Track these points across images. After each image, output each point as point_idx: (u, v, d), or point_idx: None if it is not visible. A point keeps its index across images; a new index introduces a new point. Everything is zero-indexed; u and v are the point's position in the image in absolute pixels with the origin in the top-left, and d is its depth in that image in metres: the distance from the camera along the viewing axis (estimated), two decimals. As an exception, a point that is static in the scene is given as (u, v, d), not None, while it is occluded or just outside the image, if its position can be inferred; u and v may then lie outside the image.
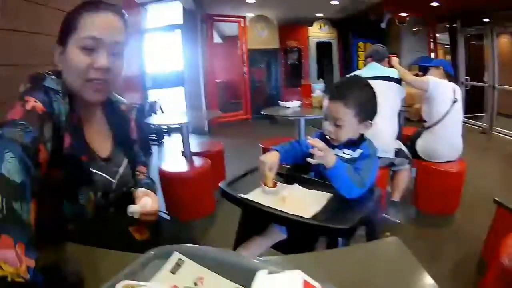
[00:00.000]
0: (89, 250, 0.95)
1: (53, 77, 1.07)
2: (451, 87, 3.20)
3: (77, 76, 1.07)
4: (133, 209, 1.16)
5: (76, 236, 1.04)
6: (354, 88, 1.51)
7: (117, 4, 1.13)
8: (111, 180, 1.23)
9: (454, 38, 8.21)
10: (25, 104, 0.94)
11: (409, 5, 8.02)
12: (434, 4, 7.13)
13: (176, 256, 0.77)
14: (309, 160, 1.38)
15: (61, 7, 1.80)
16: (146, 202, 1.19)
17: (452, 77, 3.35)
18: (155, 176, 3.29)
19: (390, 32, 9.18)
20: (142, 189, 1.29)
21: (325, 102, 1.54)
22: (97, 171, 1.16)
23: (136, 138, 1.45)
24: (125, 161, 1.31)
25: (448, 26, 8.41)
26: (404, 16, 8.77)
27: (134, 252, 0.87)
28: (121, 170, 1.28)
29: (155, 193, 1.33)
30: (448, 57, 8.61)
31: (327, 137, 1.53)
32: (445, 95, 3.16)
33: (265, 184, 1.41)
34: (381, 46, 3.40)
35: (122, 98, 1.42)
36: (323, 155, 1.34)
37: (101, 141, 1.24)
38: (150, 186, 1.36)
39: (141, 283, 0.66)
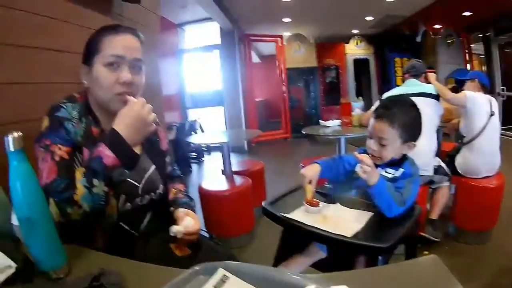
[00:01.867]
0: (129, 263, 0.97)
1: (68, 104, 1.20)
2: (488, 99, 3.10)
3: (106, 91, 1.19)
4: (175, 229, 1.19)
5: (117, 249, 1.08)
6: (400, 109, 1.51)
7: (133, 27, 1.28)
8: (136, 184, 1.29)
9: (488, 47, 7.99)
10: (53, 155, 1.10)
11: (442, 16, 7.90)
12: (466, 13, 7.02)
13: (221, 272, 0.79)
14: (357, 170, 1.39)
15: (85, 24, 1.88)
16: (188, 223, 1.23)
17: (487, 89, 3.25)
18: (195, 194, 3.35)
19: (425, 45, 9.05)
20: (183, 209, 1.34)
21: (371, 121, 1.54)
22: (118, 175, 1.21)
23: (166, 150, 1.52)
24: (152, 167, 1.37)
25: (481, 35, 8.21)
26: (438, 28, 8.63)
27: (176, 267, 0.89)
28: (147, 175, 1.33)
29: (194, 212, 1.37)
30: (484, 68, 8.39)
31: (370, 155, 1.53)
32: (482, 108, 3.06)
33: (307, 202, 1.43)
34: (418, 61, 3.36)
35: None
36: (369, 172, 1.35)
37: None
38: (190, 205, 1.40)
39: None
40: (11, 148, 0.80)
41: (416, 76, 3.22)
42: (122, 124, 1.11)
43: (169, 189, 1.49)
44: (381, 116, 1.50)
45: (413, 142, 1.52)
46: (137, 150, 1.30)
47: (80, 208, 1.04)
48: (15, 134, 0.80)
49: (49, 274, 0.86)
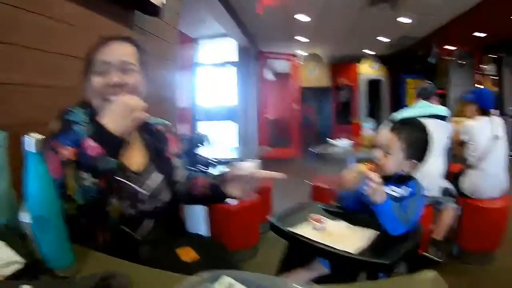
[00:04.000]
0: (137, 267, 0.98)
1: (78, 108, 1.28)
2: (489, 122, 3.13)
3: (97, 97, 1.26)
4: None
5: (119, 252, 1.09)
6: (410, 126, 1.64)
7: (128, 36, 1.36)
8: (141, 190, 1.30)
9: (499, 68, 8.11)
10: (60, 155, 1.11)
11: (455, 37, 7.90)
12: (480, 34, 7.06)
13: (226, 280, 0.79)
14: (364, 187, 1.42)
15: (91, 28, 1.94)
16: (245, 166, 1.29)
17: (488, 112, 3.21)
18: (201, 206, 3.36)
19: (438, 67, 9.06)
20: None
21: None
22: (123, 180, 1.24)
23: (177, 154, 1.53)
24: (160, 177, 1.38)
25: (494, 56, 8.23)
26: (451, 50, 8.64)
27: (180, 273, 0.90)
28: (154, 184, 1.35)
29: None
30: (496, 89, 8.36)
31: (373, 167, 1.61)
32: (480, 136, 3.10)
33: (312, 219, 1.45)
34: (429, 83, 3.44)
35: (162, 120, 1.55)
36: (376, 189, 1.39)
37: (133, 157, 1.34)
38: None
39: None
40: (33, 150, 0.82)
41: (427, 98, 3.26)
42: (107, 115, 1.13)
43: (194, 183, 1.51)
44: (392, 128, 1.63)
45: (416, 161, 1.59)
46: (145, 158, 1.37)
47: (74, 202, 1.06)
48: (38, 136, 0.83)
49: (57, 272, 0.87)
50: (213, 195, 1.44)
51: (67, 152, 1.11)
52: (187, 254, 1.29)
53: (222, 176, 1.40)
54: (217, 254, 1.38)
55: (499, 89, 8.10)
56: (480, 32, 7.03)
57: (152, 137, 1.45)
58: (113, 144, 1.13)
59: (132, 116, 1.14)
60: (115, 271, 0.85)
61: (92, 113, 1.26)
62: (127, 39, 1.32)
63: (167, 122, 1.57)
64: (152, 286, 0.88)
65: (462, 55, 8.74)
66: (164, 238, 1.32)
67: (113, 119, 1.12)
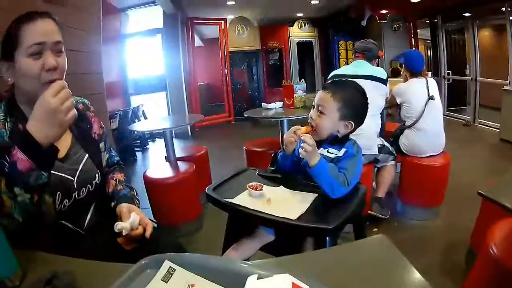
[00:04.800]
0: (79, 262, 0.95)
1: None
2: (423, 83, 3.21)
3: (32, 81, 1.13)
4: (121, 226, 1.18)
5: (65, 249, 1.05)
6: (347, 87, 1.59)
7: (47, 11, 1.20)
8: (70, 178, 1.25)
9: (434, 33, 8.36)
10: None
11: (390, 2, 8.14)
12: (415, 0, 7.24)
13: (167, 264, 0.78)
14: (300, 151, 1.40)
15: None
16: (135, 219, 1.22)
17: (418, 73, 3.29)
18: (140, 182, 3.30)
19: (371, 30, 9.27)
20: (125, 204, 1.32)
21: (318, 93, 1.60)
22: (52, 172, 1.15)
23: (99, 135, 1.47)
24: (85, 157, 1.33)
25: (428, 21, 8.54)
26: (384, 14, 8.86)
27: (124, 261, 0.88)
28: (81, 166, 1.30)
29: (137, 205, 1.38)
30: (429, 52, 8.80)
31: (310, 129, 1.56)
32: (415, 96, 3.19)
33: (250, 186, 1.42)
34: (374, 44, 3.34)
35: (82, 99, 1.47)
36: (310, 151, 1.38)
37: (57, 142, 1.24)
38: (130, 198, 1.39)
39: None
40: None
41: (369, 59, 3.24)
42: (34, 120, 1.00)
43: (107, 181, 1.46)
44: (327, 87, 1.58)
45: (351, 122, 1.55)
46: (67, 140, 1.29)
47: (13, 219, 0.98)
48: None
49: (4, 283, 0.83)
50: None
51: None
52: (128, 242, 1.27)
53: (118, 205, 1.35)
54: (158, 238, 1.35)
55: (433, 53, 8.47)
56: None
57: None
58: (44, 157, 1.02)
59: (62, 121, 1.02)
60: (58, 271, 0.81)
61: (7, 107, 1.16)
62: (49, 15, 1.18)
63: (86, 101, 1.48)
64: (97, 279, 0.86)
65: (396, 19, 8.97)
66: (104, 227, 1.29)
67: (40, 125, 0.99)
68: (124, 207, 1.30)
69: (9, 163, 0.98)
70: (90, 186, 1.31)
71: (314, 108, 1.59)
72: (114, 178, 1.46)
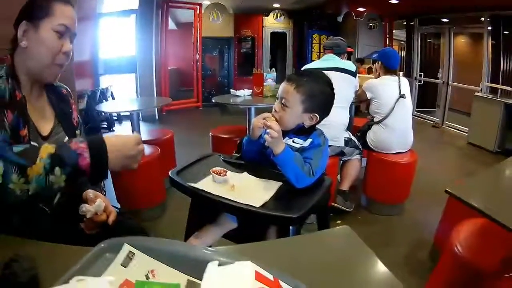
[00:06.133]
0: (40, 245, 0.93)
1: None
2: (395, 81, 3.25)
3: (47, 55, 1.19)
4: (86, 208, 1.19)
5: (25, 231, 1.03)
6: (311, 79, 1.54)
7: None
8: None
9: (410, 35, 8.48)
10: None
11: (368, 1, 8.20)
12: (393, 1, 7.32)
13: (126, 248, 0.76)
14: (265, 136, 1.39)
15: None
16: (100, 204, 1.22)
17: (392, 70, 3.35)
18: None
19: (346, 26, 9.36)
20: (92, 190, 1.33)
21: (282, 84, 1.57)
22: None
23: (77, 123, 1.47)
24: (65, 139, 1.33)
25: (405, 23, 8.66)
26: (361, 11, 8.92)
27: (86, 246, 0.86)
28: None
29: (103, 193, 1.39)
30: (403, 53, 8.94)
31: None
32: (386, 93, 3.24)
33: (213, 171, 1.41)
34: (342, 40, 3.43)
35: (64, 85, 1.49)
36: (275, 138, 1.36)
37: (43, 120, 1.29)
38: (98, 186, 1.39)
39: (93, 278, 0.66)
40: None
41: (338, 54, 3.30)
42: (113, 147, 1.03)
43: None
44: (291, 79, 1.54)
45: (316, 115, 1.53)
46: (52, 120, 1.32)
47: (26, 184, 0.93)
48: None
49: None
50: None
51: None
52: (90, 228, 1.25)
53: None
54: (121, 222, 1.34)
55: (407, 55, 8.60)
56: (395, -1, 7.29)
57: (58, 99, 1.40)
58: (99, 176, 1.05)
59: (128, 164, 1.09)
60: (17, 255, 0.78)
61: (9, 71, 1.17)
62: (74, 3, 1.26)
63: (68, 88, 1.50)
64: (58, 263, 0.83)
65: (372, 17, 9.05)
66: (69, 209, 1.28)
67: (115, 153, 1.04)
68: (90, 192, 1.31)
69: (71, 148, 0.99)
70: None
71: (278, 100, 1.56)
72: None
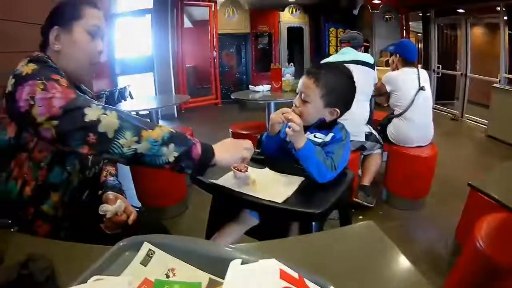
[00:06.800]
0: (57, 244, 0.93)
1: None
2: (414, 74, 3.20)
3: (84, 56, 1.25)
4: (106, 207, 1.21)
5: (47, 231, 1.08)
6: (331, 73, 1.50)
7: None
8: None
9: (426, 26, 8.31)
10: (59, 82, 1.05)
11: None
12: None
13: (146, 247, 0.75)
14: (287, 131, 1.37)
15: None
16: (120, 205, 1.24)
17: (411, 63, 3.28)
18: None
19: (362, 19, 9.23)
20: (112, 192, 1.34)
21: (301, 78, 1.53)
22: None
23: None
24: None
25: (421, 14, 8.50)
26: (377, 4, 8.80)
27: (107, 245, 0.84)
28: None
29: (125, 197, 1.39)
30: (420, 45, 8.75)
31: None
32: (406, 85, 3.18)
33: (234, 167, 1.36)
34: (359, 33, 3.40)
35: (86, 88, 1.51)
36: (297, 132, 1.34)
37: None
38: (119, 189, 1.40)
39: (111, 277, 0.64)
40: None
41: (355, 47, 3.26)
42: (222, 145, 1.21)
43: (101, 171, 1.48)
44: (310, 73, 1.50)
45: (336, 110, 1.50)
46: None
47: (137, 143, 1.02)
48: None
49: None
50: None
51: (63, 80, 1.08)
52: (111, 228, 1.26)
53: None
54: (141, 220, 1.35)
55: (424, 46, 8.43)
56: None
57: None
58: (203, 165, 1.15)
59: (236, 155, 1.22)
60: (33, 254, 0.76)
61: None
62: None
63: (90, 90, 1.52)
64: (76, 262, 0.81)
65: (388, 9, 8.89)
66: (92, 213, 1.28)
67: (221, 147, 1.21)
68: (110, 194, 1.33)
69: (188, 138, 1.12)
70: (97, 168, 1.39)
71: (298, 94, 1.52)
72: (106, 170, 1.48)
